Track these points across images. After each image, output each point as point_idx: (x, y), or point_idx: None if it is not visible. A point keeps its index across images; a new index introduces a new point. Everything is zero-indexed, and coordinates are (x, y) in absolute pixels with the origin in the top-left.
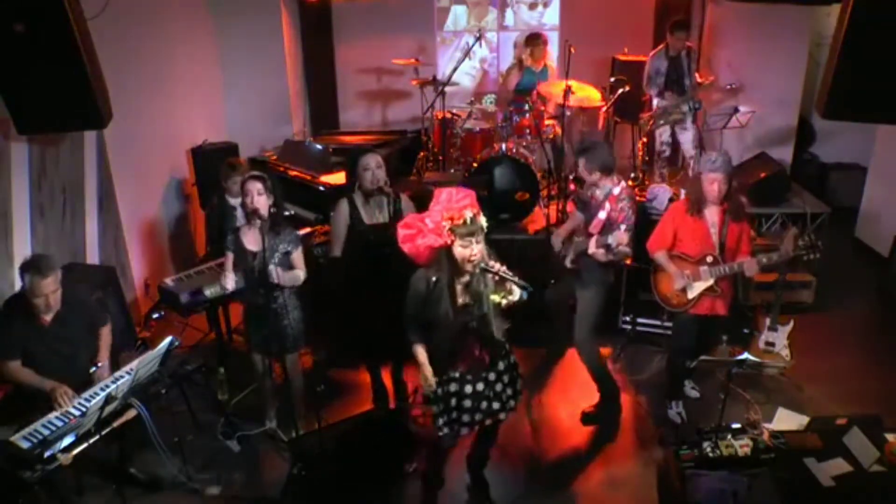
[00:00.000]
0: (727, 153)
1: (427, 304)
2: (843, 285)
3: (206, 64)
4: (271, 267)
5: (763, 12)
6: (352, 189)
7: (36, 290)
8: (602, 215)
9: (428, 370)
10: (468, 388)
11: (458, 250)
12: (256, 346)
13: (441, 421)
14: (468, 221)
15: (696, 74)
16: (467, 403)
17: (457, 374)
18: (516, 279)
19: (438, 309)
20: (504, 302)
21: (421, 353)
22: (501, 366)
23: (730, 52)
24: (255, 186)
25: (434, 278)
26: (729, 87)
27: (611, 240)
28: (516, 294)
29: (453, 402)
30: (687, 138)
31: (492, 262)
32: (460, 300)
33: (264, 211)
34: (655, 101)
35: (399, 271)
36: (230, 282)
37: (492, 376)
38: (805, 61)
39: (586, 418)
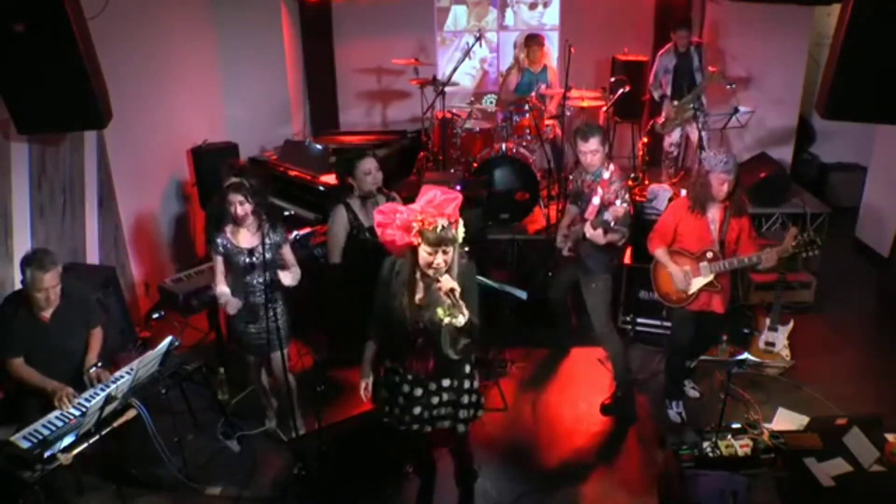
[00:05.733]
0: (730, 152)
1: (388, 294)
2: (843, 285)
3: (206, 64)
4: (282, 275)
5: (763, 12)
6: (346, 193)
7: (37, 285)
8: (596, 200)
9: (366, 371)
10: (405, 388)
11: (422, 254)
12: (248, 345)
13: (387, 408)
14: (438, 229)
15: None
16: (400, 401)
17: (401, 370)
18: (461, 305)
19: (395, 301)
20: (447, 321)
21: (369, 350)
22: (445, 382)
23: (730, 52)
24: (237, 198)
25: (397, 269)
26: (729, 87)
27: (607, 216)
28: (461, 320)
29: (392, 392)
30: (704, 135)
31: (446, 278)
32: (418, 299)
33: (247, 216)
34: (665, 104)
35: None
36: (233, 307)
37: (432, 386)
38: (805, 61)
39: (605, 409)
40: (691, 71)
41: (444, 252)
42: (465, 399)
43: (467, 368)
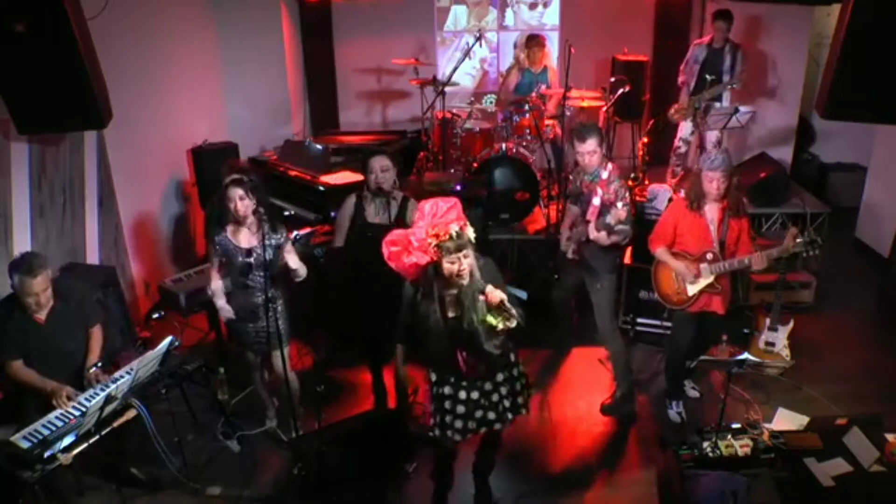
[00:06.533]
0: (727, 150)
1: (417, 314)
2: (843, 285)
3: (206, 64)
4: (293, 265)
5: (763, 12)
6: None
7: (26, 290)
8: (596, 201)
9: (402, 371)
10: (462, 395)
11: (446, 266)
12: (248, 344)
13: (433, 421)
14: (454, 236)
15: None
16: (460, 409)
17: (452, 379)
18: (513, 310)
19: (429, 320)
20: (501, 326)
21: (400, 353)
22: (500, 377)
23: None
24: (237, 193)
25: (421, 294)
26: (731, 86)
27: (609, 219)
28: (514, 322)
29: (447, 404)
30: (710, 137)
31: (490, 289)
32: (450, 313)
33: (247, 214)
34: (682, 93)
35: (394, 275)
36: (227, 312)
37: (488, 386)
38: (805, 61)
39: (606, 409)
40: (720, 69)
41: (466, 256)
42: (519, 385)
43: (512, 357)
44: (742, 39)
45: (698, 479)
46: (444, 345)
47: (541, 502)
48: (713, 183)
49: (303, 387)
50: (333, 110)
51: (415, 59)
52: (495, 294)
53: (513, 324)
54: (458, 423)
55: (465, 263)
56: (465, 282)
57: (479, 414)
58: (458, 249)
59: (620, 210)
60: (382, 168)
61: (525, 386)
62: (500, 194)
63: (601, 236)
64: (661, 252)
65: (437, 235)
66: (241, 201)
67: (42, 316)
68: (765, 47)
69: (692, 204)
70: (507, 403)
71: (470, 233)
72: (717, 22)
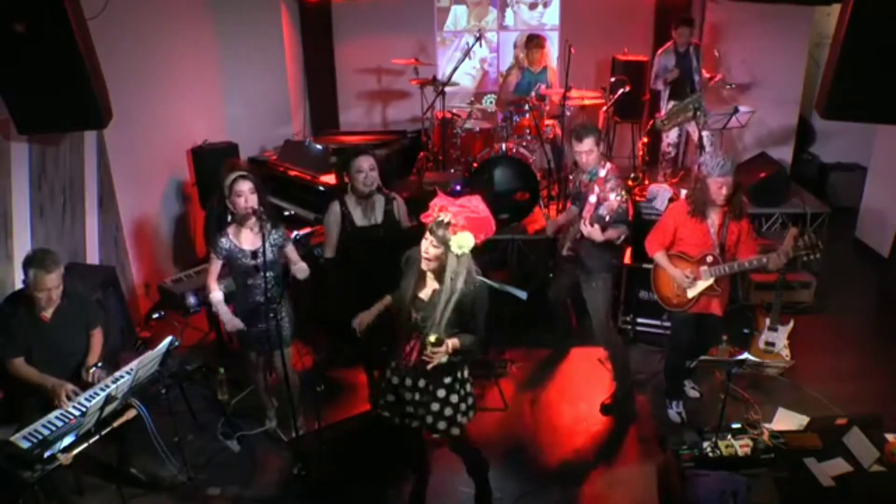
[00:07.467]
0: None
1: (407, 270)
2: (843, 285)
3: (206, 64)
4: (296, 268)
5: (763, 12)
6: (344, 190)
7: (40, 285)
8: (592, 199)
9: (368, 314)
10: (388, 372)
11: (423, 240)
12: (250, 344)
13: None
14: (436, 220)
15: (703, 71)
16: (383, 385)
17: (394, 350)
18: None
19: (403, 281)
20: (426, 350)
21: (384, 300)
22: (421, 383)
23: (730, 52)
24: (246, 186)
25: (415, 255)
26: (729, 87)
27: (602, 210)
28: (440, 358)
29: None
30: (705, 135)
31: (438, 356)
32: (421, 293)
33: (249, 215)
34: (665, 101)
35: (391, 273)
36: (237, 324)
37: (408, 381)
38: (805, 61)
39: (605, 409)
40: (690, 72)
41: (434, 245)
42: (436, 407)
43: (447, 380)
44: (743, 39)
45: (698, 479)
46: (402, 317)
47: (541, 502)
48: (723, 189)
49: (301, 386)
50: (333, 110)
51: (415, 59)
52: (439, 356)
53: (436, 354)
54: (378, 394)
55: (426, 245)
56: (427, 266)
57: (390, 398)
58: (429, 233)
59: (612, 201)
60: (371, 167)
61: (448, 418)
62: (500, 194)
63: (595, 231)
64: (659, 257)
65: (436, 209)
66: (252, 195)
67: (48, 314)
68: (765, 47)
69: (696, 210)
70: (411, 410)
71: (455, 242)
72: (682, 27)
